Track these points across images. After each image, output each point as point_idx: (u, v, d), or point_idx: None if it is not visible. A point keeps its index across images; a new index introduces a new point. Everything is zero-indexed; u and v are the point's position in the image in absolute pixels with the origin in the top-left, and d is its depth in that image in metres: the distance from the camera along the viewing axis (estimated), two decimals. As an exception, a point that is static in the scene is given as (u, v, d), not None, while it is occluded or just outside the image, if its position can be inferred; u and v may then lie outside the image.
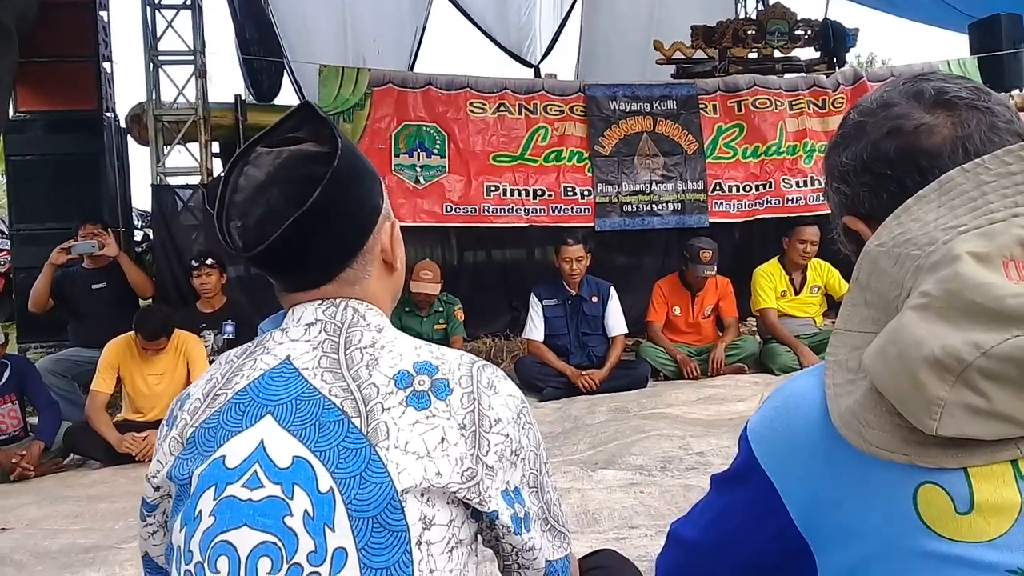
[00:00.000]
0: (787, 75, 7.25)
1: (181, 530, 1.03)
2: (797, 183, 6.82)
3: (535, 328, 5.41)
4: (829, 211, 0.94)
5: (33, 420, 4.72)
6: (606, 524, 2.90)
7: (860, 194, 0.90)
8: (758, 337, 5.91)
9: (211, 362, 4.65)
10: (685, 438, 3.80)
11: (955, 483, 0.71)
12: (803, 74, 7.28)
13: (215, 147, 6.86)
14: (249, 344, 1.16)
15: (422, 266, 5.39)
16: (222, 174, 1.10)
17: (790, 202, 6.76)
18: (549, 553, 1.13)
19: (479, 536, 1.10)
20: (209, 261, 5.33)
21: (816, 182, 6.83)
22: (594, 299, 5.45)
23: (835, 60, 7.63)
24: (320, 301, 1.11)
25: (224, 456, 1.03)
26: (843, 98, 6.97)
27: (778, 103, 6.88)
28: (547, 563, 1.13)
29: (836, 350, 0.82)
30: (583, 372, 5.24)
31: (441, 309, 5.52)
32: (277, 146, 1.09)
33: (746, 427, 0.89)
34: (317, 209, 1.03)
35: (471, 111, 6.51)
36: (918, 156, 0.85)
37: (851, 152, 0.91)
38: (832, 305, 5.99)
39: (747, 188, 6.79)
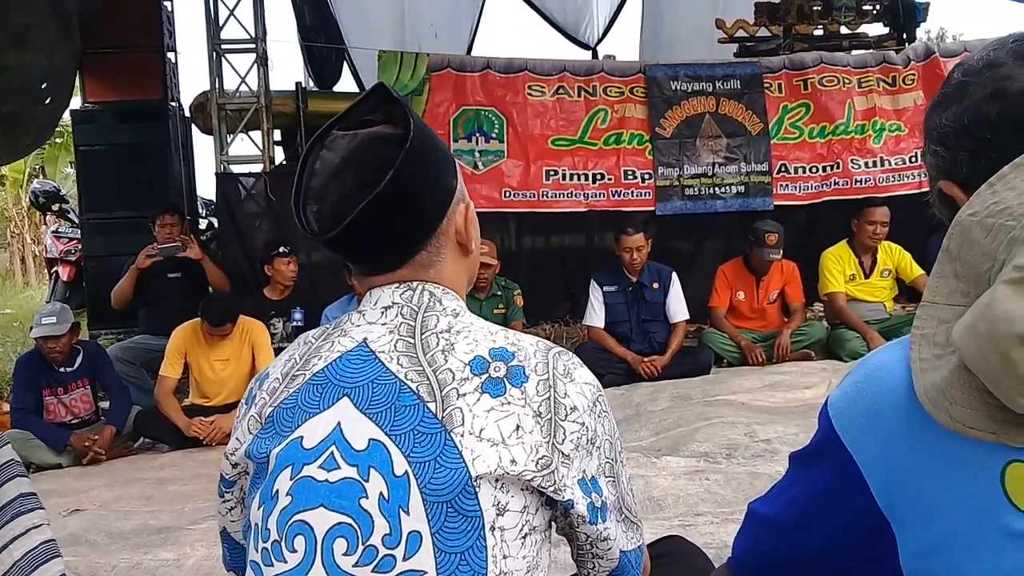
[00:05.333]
0: (855, 52, 7.04)
1: (259, 508, 1.04)
2: (866, 164, 6.64)
3: (595, 314, 5.35)
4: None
5: (104, 405, 4.84)
6: (671, 511, 2.87)
7: (958, 158, 0.85)
8: (825, 322, 5.76)
9: (277, 350, 4.72)
10: (751, 425, 3.75)
11: None
12: (872, 51, 7.05)
13: (276, 135, 6.94)
14: (327, 326, 1.16)
15: None
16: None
17: (859, 183, 6.58)
18: (623, 543, 1.12)
19: (553, 523, 1.09)
20: (290, 249, 5.35)
21: (886, 163, 6.63)
22: (655, 285, 5.36)
23: (905, 36, 7.37)
24: (397, 284, 1.11)
25: (301, 437, 1.04)
26: (914, 75, 6.74)
27: (846, 81, 6.69)
28: (621, 553, 1.12)
29: (923, 323, 0.78)
30: (644, 358, 5.18)
31: (500, 293, 5.50)
32: (352, 129, 1.10)
33: (827, 402, 0.87)
34: (390, 191, 1.03)
35: (529, 94, 6.46)
36: (1021, 121, 0.80)
37: (951, 113, 0.86)
38: (903, 289, 5.83)
39: (814, 169, 6.62)
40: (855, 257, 5.60)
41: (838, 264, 5.57)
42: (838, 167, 6.61)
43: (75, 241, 8.21)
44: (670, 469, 3.31)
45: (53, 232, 9.16)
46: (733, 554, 1.02)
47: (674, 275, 5.40)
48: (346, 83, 8.65)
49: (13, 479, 1.15)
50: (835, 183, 6.61)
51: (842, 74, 6.70)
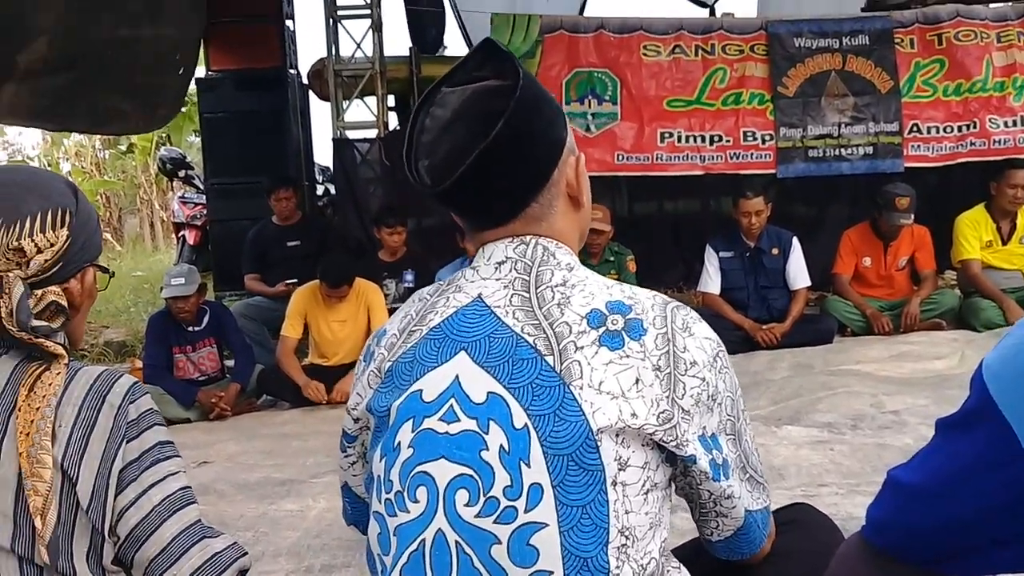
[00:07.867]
0: (994, 4, 6.64)
1: (381, 460, 1.07)
2: (1005, 123, 6.28)
3: (711, 281, 5.23)
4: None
5: (230, 363, 5.03)
6: (793, 481, 2.80)
7: None
8: (958, 291, 5.50)
9: (390, 310, 4.79)
10: (877, 396, 3.64)
11: None
12: (1012, 3, 6.64)
13: (391, 100, 7.01)
14: (441, 283, 1.17)
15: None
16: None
17: (996, 144, 6.24)
18: (748, 503, 1.11)
19: (672, 482, 1.08)
20: (395, 219, 5.44)
21: (1027, 121, 6.23)
22: (774, 251, 5.19)
23: (1050, -14, 6.87)
24: (510, 239, 1.11)
25: (421, 390, 1.05)
26: (1058, 28, 6.29)
27: (984, 35, 6.32)
28: (746, 513, 1.10)
29: None
30: (763, 326, 5.04)
31: (612, 259, 5.41)
32: (461, 85, 1.10)
33: (981, 365, 0.81)
34: (501, 141, 1.03)
35: (644, 55, 6.33)
36: None
37: None
38: (1044, 256, 5.47)
39: (948, 129, 6.30)
40: (992, 222, 5.31)
41: (974, 229, 5.29)
42: (975, 127, 6.29)
43: (200, 206, 8.55)
44: (791, 439, 3.23)
45: (180, 198, 9.57)
46: (868, 523, 0.96)
47: (795, 240, 5.23)
48: (458, 48, 8.67)
49: (152, 427, 1.19)
50: (971, 144, 6.28)
51: (980, 28, 6.34)
